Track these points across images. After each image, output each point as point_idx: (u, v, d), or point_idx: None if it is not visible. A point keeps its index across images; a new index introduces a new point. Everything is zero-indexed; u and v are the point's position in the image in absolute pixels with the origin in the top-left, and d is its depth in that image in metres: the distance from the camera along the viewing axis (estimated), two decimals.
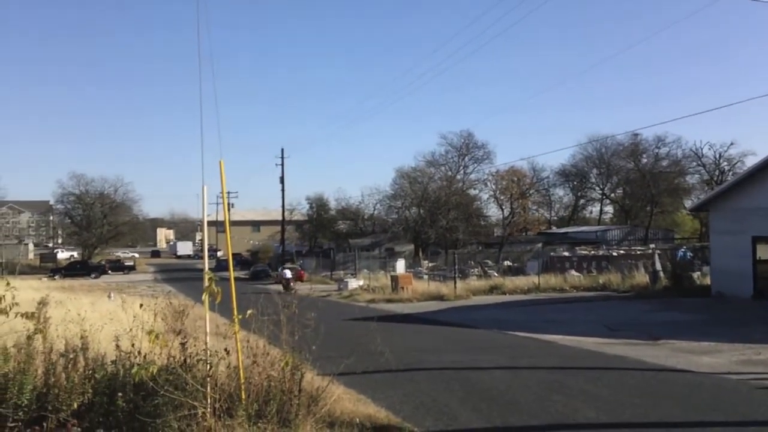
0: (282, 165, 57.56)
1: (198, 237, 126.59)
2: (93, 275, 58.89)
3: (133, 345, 6.30)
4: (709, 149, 62.85)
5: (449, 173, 65.84)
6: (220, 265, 55.86)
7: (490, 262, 45.54)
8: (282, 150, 57.63)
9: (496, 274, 37.86)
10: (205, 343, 6.33)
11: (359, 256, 51.23)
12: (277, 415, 6.11)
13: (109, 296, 25.27)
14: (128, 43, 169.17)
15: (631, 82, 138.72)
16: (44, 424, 5.74)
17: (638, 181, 62.03)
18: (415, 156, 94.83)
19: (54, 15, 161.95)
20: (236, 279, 7.40)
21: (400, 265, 45.34)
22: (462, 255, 44.41)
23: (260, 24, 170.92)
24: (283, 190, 58.57)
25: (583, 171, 70.02)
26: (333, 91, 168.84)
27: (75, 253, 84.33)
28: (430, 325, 19.30)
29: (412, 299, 27.83)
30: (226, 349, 6.33)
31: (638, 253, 37.34)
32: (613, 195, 70.90)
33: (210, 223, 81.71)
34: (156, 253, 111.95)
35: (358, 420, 7.02)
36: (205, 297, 5.85)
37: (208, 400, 5.87)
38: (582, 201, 75.67)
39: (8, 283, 5.99)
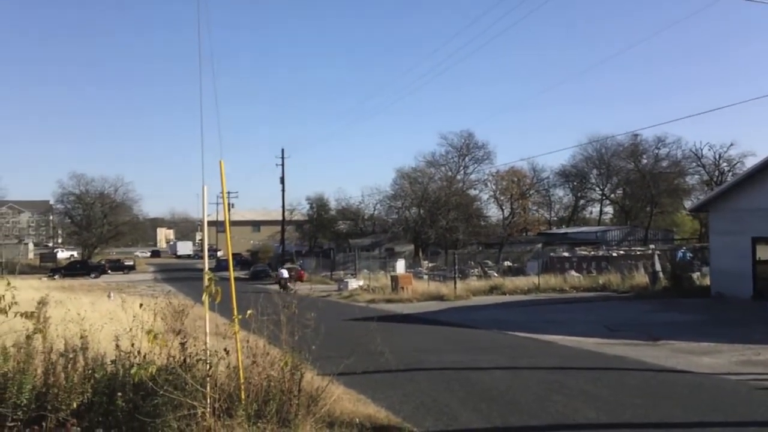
0: (282, 165, 57.61)
1: (198, 237, 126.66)
2: (93, 275, 58.89)
3: (132, 345, 6.30)
4: (709, 150, 62.96)
5: (449, 173, 65.93)
6: (220, 265, 55.89)
7: (490, 263, 45.54)
8: (282, 150, 57.70)
9: (496, 275, 37.86)
10: (205, 343, 6.33)
11: (359, 256, 51.25)
12: (276, 415, 6.12)
13: (109, 296, 25.27)
14: (128, 43, 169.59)
15: (632, 82, 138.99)
16: (43, 424, 5.74)
17: (638, 181, 62.06)
18: (416, 156, 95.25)
19: (54, 15, 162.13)
20: (236, 279, 7.40)
21: (400, 266, 45.35)
22: (462, 255, 44.41)
23: (260, 24, 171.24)
24: (283, 190, 58.65)
25: (583, 171, 70.08)
26: (333, 92, 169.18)
27: (75, 253, 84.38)
28: (430, 326, 19.29)
29: (412, 299, 27.83)
30: (225, 349, 6.33)
31: (638, 253, 37.34)
32: (612, 195, 70.95)
33: (210, 223, 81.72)
34: (156, 253, 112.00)
35: (357, 420, 7.01)
36: (204, 297, 5.85)
37: (208, 400, 5.87)
38: (582, 201, 75.75)
39: (9, 283, 5.99)
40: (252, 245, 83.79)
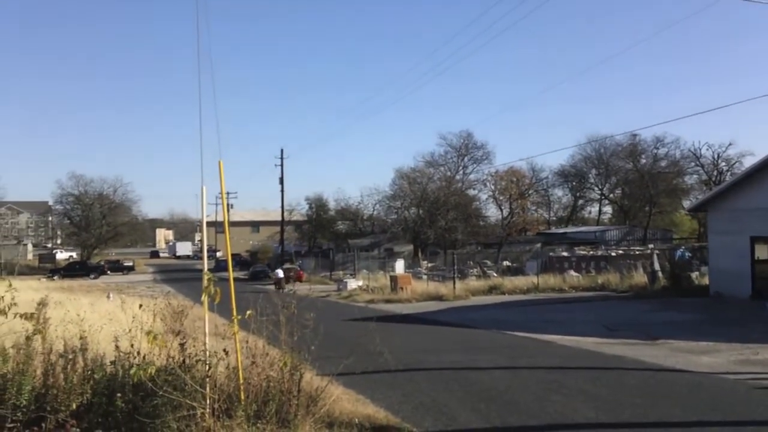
0: (281, 165, 57.60)
1: (197, 237, 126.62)
2: (92, 276, 58.85)
3: (132, 345, 6.30)
4: (708, 149, 62.98)
5: (448, 173, 65.91)
6: (220, 266, 55.90)
7: (489, 263, 45.56)
8: (281, 150, 57.67)
9: (495, 275, 37.86)
10: (204, 344, 6.33)
11: (358, 257, 51.26)
12: (276, 415, 6.12)
13: (108, 297, 25.22)
14: (128, 44, 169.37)
15: (632, 82, 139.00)
16: (43, 425, 5.74)
17: (637, 181, 62.11)
18: (415, 156, 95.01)
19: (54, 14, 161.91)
20: (235, 279, 7.41)
21: (399, 266, 45.36)
22: (461, 255, 44.39)
23: (260, 25, 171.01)
24: (282, 191, 58.65)
25: (582, 171, 70.13)
26: (333, 92, 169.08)
27: (74, 254, 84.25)
28: (429, 326, 19.31)
29: (411, 299, 27.84)
30: (225, 350, 6.33)
31: (637, 253, 37.38)
32: (611, 195, 70.98)
33: (209, 224, 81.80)
34: (155, 254, 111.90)
35: (357, 420, 7.02)
36: (204, 297, 5.86)
37: (207, 401, 5.88)
38: (581, 201, 75.78)
39: (10, 285, 5.99)
40: (251, 246, 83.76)
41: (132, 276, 62.35)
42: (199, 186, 6.83)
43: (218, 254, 76.91)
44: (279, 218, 62.46)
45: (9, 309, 5.88)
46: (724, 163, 62.20)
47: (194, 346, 6.38)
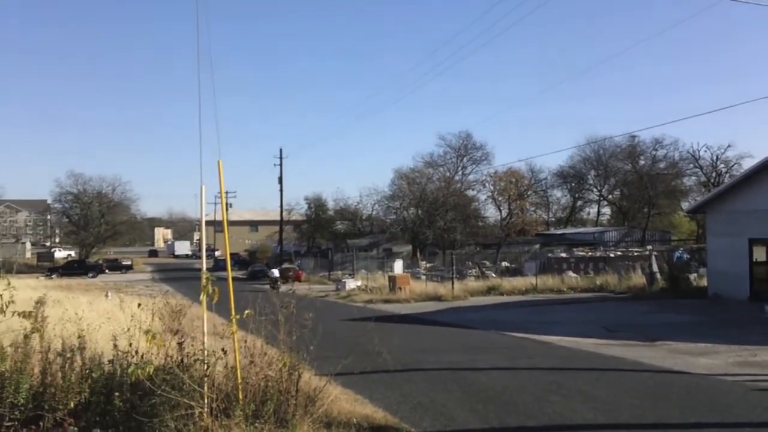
0: (281, 165, 57.57)
1: (196, 237, 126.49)
2: (90, 274, 58.76)
3: (130, 344, 6.30)
4: (706, 151, 62.92)
5: (447, 174, 65.88)
6: (218, 265, 55.90)
7: (487, 263, 45.56)
8: (281, 150, 57.62)
9: (493, 275, 37.89)
10: (203, 343, 6.33)
11: (357, 257, 51.21)
12: (274, 415, 6.12)
13: (107, 295, 25.18)
14: (128, 43, 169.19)
15: (632, 82, 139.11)
16: (41, 424, 5.73)
17: (636, 182, 62.14)
18: (414, 157, 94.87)
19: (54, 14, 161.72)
20: (234, 279, 7.40)
21: (398, 266, 45.34)
22: (460, 256, 44.37)
23: (260, 24, 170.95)
24: (281, 190, 58.64)
25: (581, 172, 70.15)
26: (333, 91, 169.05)
27: (72, 252, 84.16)
28: (427, 326, 19.30)
29: (410, 300, 27.85)
30: (223, 349, 6.32)
31: (635, 254, 37.41)
32: (610, 196, 71.01)
33: (208, 223, 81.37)
34: (154, 253, 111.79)
35: (355, 420, 7.01)
36: (202, 297, 5.85)
37: (205, 400, 5.87)
38: (579, 202, 75.80)
39: (9, 283, 5.98)
40: (250, 245, 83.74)
41: (130, 275, 62.26)
42: (199, 185, 6.82)
43: (217, 253, 76.80)
44: (278, 218, 62.42)
45: (7, 307, 5.86)
46: (722, 165, 62.22)
47: (192, 345, 6.37)
